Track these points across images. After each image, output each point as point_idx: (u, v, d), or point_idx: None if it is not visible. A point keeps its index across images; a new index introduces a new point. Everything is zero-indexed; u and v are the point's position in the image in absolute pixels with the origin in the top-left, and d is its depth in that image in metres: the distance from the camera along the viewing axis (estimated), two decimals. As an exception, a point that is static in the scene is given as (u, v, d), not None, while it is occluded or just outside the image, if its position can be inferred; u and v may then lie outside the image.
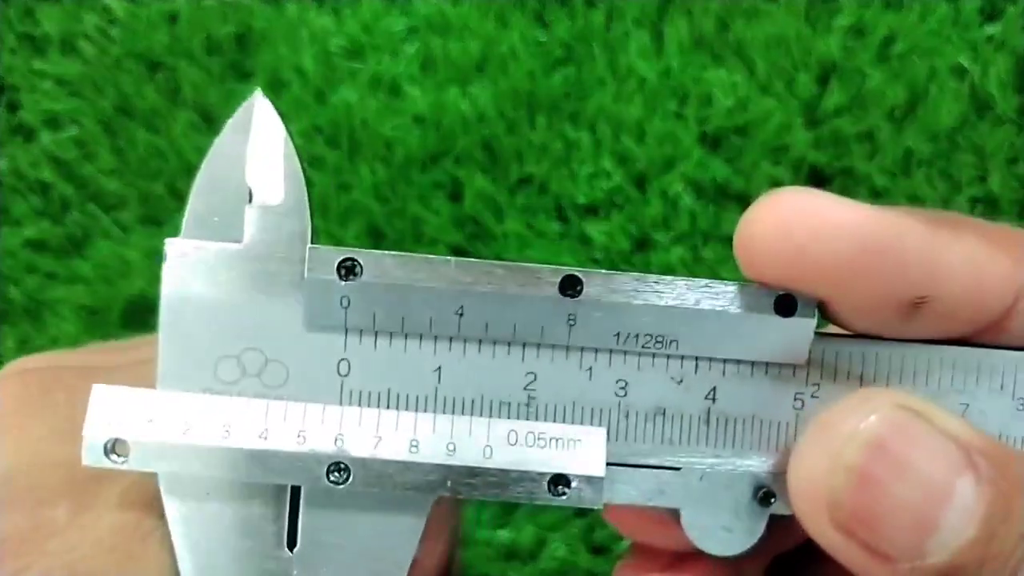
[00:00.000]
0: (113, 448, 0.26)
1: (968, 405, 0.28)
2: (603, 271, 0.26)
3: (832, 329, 0.29)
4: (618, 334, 0.27)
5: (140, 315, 0.54)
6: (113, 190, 0.55)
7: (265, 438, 0.26)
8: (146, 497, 0.28)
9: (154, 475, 0.27)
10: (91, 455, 0.26)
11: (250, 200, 0.27)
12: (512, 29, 0.55)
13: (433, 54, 0.55)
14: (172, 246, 0.27)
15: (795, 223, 0.25)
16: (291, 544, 0.27)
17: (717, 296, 0.26)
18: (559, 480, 0.26)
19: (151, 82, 0.54)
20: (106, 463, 0.26)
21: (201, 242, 0.27)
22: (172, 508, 0.27)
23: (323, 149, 0.54)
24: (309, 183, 0.27)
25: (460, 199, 0.55)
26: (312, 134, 0.55)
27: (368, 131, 0.54)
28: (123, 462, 0.26)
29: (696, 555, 0.31)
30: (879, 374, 0.28)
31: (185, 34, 0.54)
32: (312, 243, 0.27)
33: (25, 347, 0.54)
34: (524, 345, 0.27)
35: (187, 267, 0.26)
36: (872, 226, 0.25)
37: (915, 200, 0.54)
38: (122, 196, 0.55)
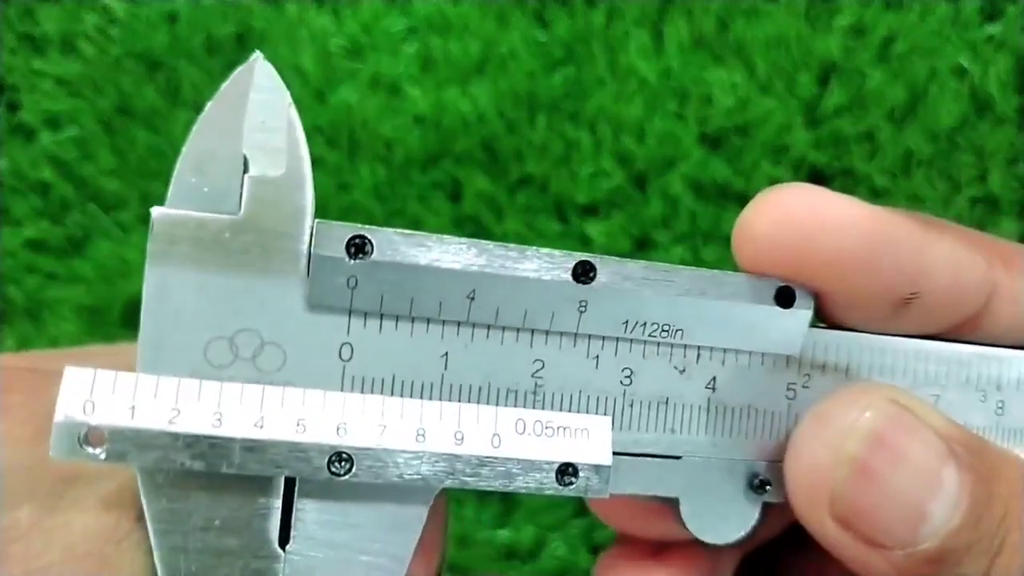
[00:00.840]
0: (87, 438, 0.23)
1: (939, 396, 0.29)
2: (616, 258, 0.26)
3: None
4: (626, 322, 0.26)
5: (140, 315, 0.54)
6: (113, 190, 0.54)
7: (261, 427, 0.24)
8: (124, 498, 0.25)
9: (130, 470, 0.24)
10: (61, 446, 0.23)
11: (245, 170, 0.24)
12: (512, 29, 0.55)
13: (433, 54, 0.55)
14: (160, 215, 0.24)
15: (798, 218, 0.25)
16: (283, 541, 0.25)
17: (724, 286, 0.26)
18: (567, 470, 0.26)
19: (151, 82, 0.54)
20: (79, 455, 0.23)
21: (193, 212, 0.24)
22: (152, 506, 0.24)
23: (323, 149, 0.54)
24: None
25: (460, 199, 0.55)
26: (312, 134, 0.54)
27: (368, 131, 0.54)
28: (99, 454, 0.23)
29: (676, 546, 0.32)
30: (862, 366, 0.28)
31: (185, 34, 0.54)
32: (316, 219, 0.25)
33: (25, 347, 0.53)
34: (533, 332, 0.26)
35: (176, 238, 0.24)
36: (871, 222, 0.26)
37: (915, 200, 0.54)
38: (122, 196, 0.54)
